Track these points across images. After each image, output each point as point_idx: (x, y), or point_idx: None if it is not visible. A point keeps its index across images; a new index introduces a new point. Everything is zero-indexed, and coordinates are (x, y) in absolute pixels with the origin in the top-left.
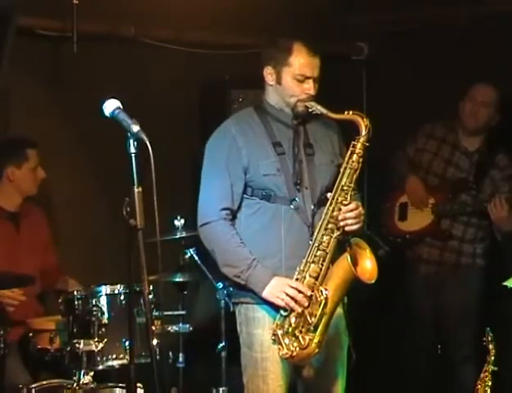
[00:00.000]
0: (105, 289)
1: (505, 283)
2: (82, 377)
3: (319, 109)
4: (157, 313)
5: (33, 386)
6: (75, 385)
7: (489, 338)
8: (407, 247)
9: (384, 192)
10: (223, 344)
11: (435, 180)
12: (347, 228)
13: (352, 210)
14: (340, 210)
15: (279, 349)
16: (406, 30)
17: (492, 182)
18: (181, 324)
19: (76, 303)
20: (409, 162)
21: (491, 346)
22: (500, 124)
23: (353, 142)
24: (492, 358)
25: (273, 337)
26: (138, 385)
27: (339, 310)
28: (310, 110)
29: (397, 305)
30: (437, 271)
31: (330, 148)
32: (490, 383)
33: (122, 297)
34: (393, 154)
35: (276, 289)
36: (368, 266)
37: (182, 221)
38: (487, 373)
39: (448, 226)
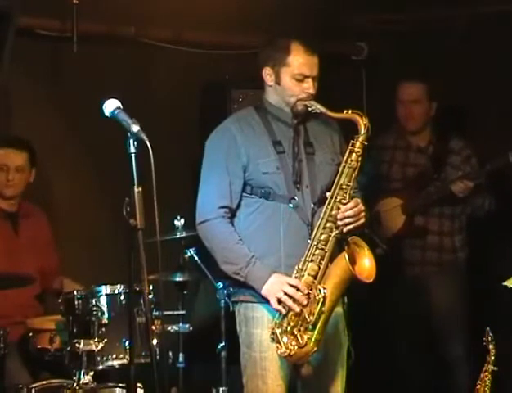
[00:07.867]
0: (105, 289)
1: (504, 283)
2: (82, 377)
3: (318, 108)
4: (157, 313)
5: (33, 386)
6: (75, 385)
7: (489, 338)
8: (393, 252)
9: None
10: (223, 344)
11: (398, 185)
12: (345, 228)
13: (350, 209)
14: (339, 208)
15: (277, 347)
16: (406, 30)
17: (454, 168)
18: (181, 324)
19: (76, 303)
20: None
21: (491, 346)
22: (447, 112)
23: (352, 141)
24: (492, 358)
25: (272, 336)
26: (138, 385)
27: (339, 309)
28: (309, 108)
29: (396, 305)
30: (422, 271)
31: (331, 147)
32: (490, 383)
33: (122, 297)
34: None
35: (275, 287)
36: (366, 265)
37: (182, 221)
38: (487, 373)
39: (422, 222)
